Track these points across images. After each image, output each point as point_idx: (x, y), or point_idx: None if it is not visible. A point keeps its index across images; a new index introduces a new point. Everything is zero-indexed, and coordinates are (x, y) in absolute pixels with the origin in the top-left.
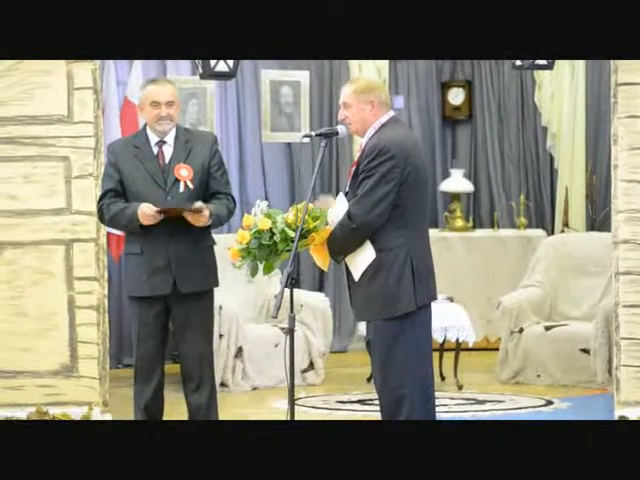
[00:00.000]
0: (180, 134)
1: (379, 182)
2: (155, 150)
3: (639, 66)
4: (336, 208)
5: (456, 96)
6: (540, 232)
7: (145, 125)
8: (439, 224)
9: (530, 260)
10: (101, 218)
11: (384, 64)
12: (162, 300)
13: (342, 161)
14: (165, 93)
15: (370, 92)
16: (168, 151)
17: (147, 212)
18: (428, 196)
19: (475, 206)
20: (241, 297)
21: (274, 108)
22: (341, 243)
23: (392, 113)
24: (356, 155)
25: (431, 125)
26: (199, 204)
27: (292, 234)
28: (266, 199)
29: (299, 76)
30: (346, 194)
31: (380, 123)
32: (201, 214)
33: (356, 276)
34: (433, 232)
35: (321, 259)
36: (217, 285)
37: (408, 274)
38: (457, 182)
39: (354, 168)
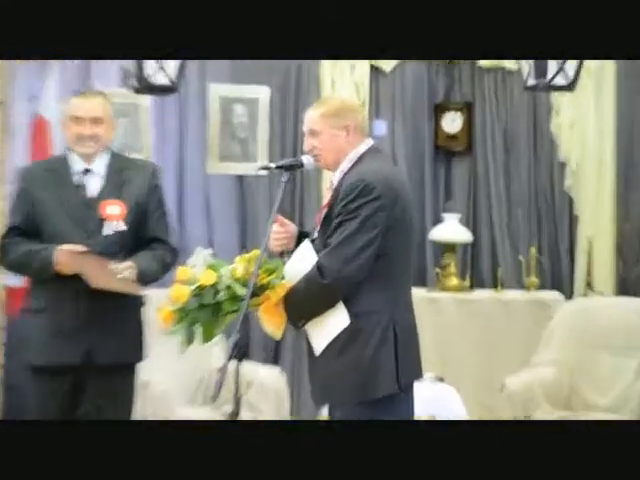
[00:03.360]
0: (113, 162)
1: (361, 228)
2: (78, 180)
3: None
4: (299, 259)
5: (452, 122)
6: (556, 295)
7: (68, 148)
8: (427, 282)
9: (543, 331)
10: (2, 259)
11: (364, 80)
12: (70, 373)
13: (308, 200)
14: (90, 107)
15: (344, 115)
16: (95, 182)
17: (67, 254)
18: (415, 247)
19: (474, 260)
20: (172, 371)
21: (225, 131)
22: (306, 304)
23: (371, 142)
24: (325, 193)
25: (420, 157)
26: (126, 265)
27: (241, 291)
28: (210, 246)
29: (257, 92)
30: (313, 241)
31: (357, 154)
32: (126, 283)
33: (319, 347)
34: (420, 292)
35: (274, 324)
36: (142, 358)
37: (389, 346)
38: (451, 229)
39: (326, 210)
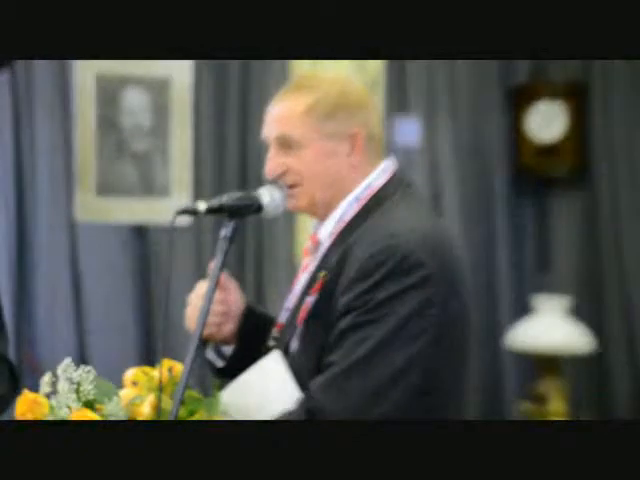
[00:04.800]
0: None
1: (394, 338)
2: None
3: None
4: (260, 384)
5: (548, 122)
6: None
7: None
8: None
9: None
10: None
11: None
12: None
13: (271, 275)
14: None
15: (348, 113)
16: None
17: None
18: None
19: (601, 386)
20: None
21: (107, 140)
22: None
23: (392, 165)
24: (303, 259)
25: (487, 190)
26: None
27: None
28: (83, 359)
29: (169, 68)
30: (285, 352)
31: (371, 189)
32: None
33: None
34: None
35: None
36: None
37: None
38: (552, 328)
39: (314, 298)
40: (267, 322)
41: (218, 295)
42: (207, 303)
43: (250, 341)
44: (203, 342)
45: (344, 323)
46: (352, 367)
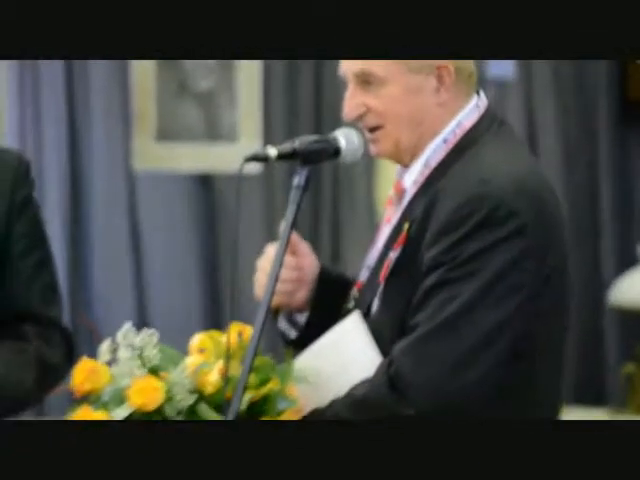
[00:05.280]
0: None
1: (485, 295)
2: None
3: None
4: (336, 350)
5: None
6: None
7: None
8: (608, 395)
9: None
10: None
11: None
12: None
13: (350, 228)
14: None
15: None
16: None
17: None
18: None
19: None
20: None
21: (167, 80)
22: None
23: (484, 101)
24: (387, 208)
25: (588, 129)
26: None
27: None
28: (143, 320)
29: None
30: (366, 314)
31: (461, 129)
32: None
33: None
34: (592, 416)
35: None
36: None
37: None
38: None
39: (397, 252)
40: (344, 285)
41: (289, 260)
42: (276, 269)
43: (326, 308)
44: (274, 311)
45: (430, 280)
46: (439, 329)
